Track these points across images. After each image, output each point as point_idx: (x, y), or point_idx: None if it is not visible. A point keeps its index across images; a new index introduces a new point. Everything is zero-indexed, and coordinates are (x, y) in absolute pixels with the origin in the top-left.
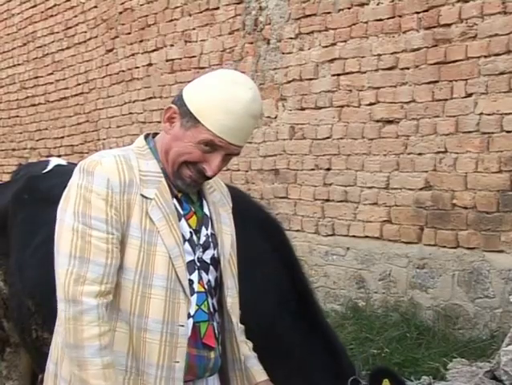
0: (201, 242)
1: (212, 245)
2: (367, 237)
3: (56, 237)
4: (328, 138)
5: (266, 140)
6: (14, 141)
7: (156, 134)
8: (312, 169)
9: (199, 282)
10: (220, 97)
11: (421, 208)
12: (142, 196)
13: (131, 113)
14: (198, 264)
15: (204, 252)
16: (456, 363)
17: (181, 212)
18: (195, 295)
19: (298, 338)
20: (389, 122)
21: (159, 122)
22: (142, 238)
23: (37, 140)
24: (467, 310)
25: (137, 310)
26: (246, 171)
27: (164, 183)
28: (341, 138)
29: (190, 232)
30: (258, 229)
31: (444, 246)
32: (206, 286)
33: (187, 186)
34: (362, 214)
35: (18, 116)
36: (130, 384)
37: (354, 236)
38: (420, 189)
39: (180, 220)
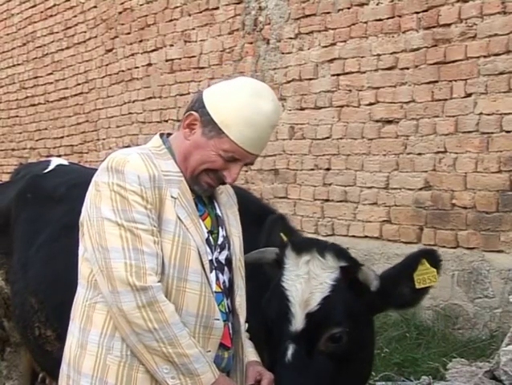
0: (219, 243)
1: (226, 246)
2: (366, 237)
3: (96, 234)
4: (328, 138)
5: None
6: (13, 141)
7: (169, 134)
8: (312, 169)
9: (216, 282)
10: (245, 110)
11: (421, 208)
12: (168, 193)
13: (130, 113)
14: (215, 264)
15: (220, 252)
16: (455, 363)
17: (197, 212)
18: (214, 295)
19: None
20: (389, 122)
21: (159, 122)
22: (175, 232)
23: (36, 140)
24: (467, 309)
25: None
26: (246, 171)
27: (184, 183)
28: (341, 138)
29: (207, 232)
30: (259, 226)
31: (444, 246)
32: (222, 287)
33: (203, 191)
34: (361, 214)
35: (17, 116)
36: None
37: (353, 236)
38: (420, 189)
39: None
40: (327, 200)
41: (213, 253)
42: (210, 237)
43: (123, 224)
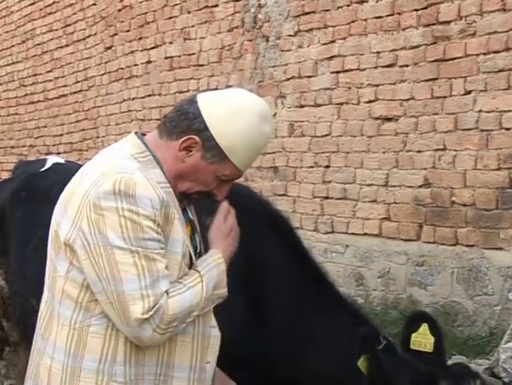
0: (198, 251)
1: (201, 252)
2: (366, 234)
3: (103, 263)
4: (327, 135)
5: None
6: (12, 139)
7: (143, 134)
8: (311, 166)
9: None
10: (251, 136)
11: (420, 205)
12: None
13: (130, 110)
14: None
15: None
16: (455, 360)
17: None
18: None
19: (325, 320)
20: (388, 119)
21: (158, 119)
22: (183, 253)
23: (36, 138)
24: (466, 307)
25: None
26: None
27: (173, 195)
28: (340, 135)
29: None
30: (268, 226)
31: (444, 243)
32: None
33: (190, 202)
34: (361, 211)
35: (16, 114)
36: None
37: (353, 233)
38: (420, 187)
39: None
40: (326, 198)
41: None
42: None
43: (137, 251)
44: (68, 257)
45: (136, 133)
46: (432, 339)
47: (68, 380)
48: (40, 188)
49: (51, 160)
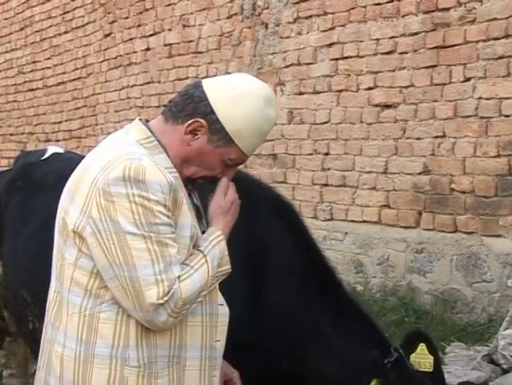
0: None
1: None
2: (365, 221)
3: (116, 250)
4: (327, 122)
5: None
6: (11, 126)
7: (147, 120)
8: (310, 154)
9: None
10: (257, 120)
11: (420, 192)
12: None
13: (129, 98)
14: None
15: None
16: (454, 347)
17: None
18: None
19: (330, 316)
20: (388, 106)
21: (157, 107)
22: (191, 237)
23: (35, 125)
24: (465, 294)
25: None
26: None
27: (179, 179)
28: (339, 122)
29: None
30: (272, 212)
31: (443, 231)
32: None
33: (195, 187)
34: (360, 199)
35: (15, 101)
36: (174, 374)
37: (352, 220)
38: (419, 174)
39: None
40: (325, 185)
41: None
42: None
43: (150, 236)
44: (77, 244)
45: (140, 119)
46: (431, 359)
47: (82, 367)
48: (35, 177)
49: (51, 149)
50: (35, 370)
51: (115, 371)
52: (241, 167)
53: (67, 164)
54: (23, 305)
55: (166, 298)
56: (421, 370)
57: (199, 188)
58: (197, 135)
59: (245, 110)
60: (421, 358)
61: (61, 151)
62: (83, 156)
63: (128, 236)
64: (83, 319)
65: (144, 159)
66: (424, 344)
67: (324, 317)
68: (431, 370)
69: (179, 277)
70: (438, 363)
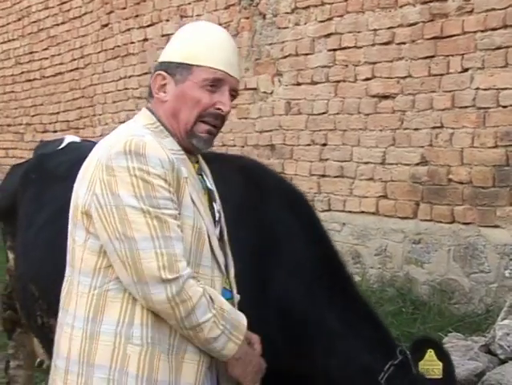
0: (216, 219)
1: (220, 220)
2: (363, 212)
3: (116, 223)
4: (324, 113)
5: (261, 116)
6: (9, 117)
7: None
8: (308, 144)
9: None
10: (201, 37)
11: (417, 183)
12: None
13: (126, 88)
14: (217, 241)
15: (217, 228)
16: (451, 338)
17: (202, 190)
18: (223, 275)
19: (337, 313)
20: (385, 97)
21: None
22: (194, 218)
23: (32, 116)
24: (462, 284)
25: None
26: (242, 146)
27: (188, 161)
28: (337, 113)
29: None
30: (283, 203)
31: (440, 221)
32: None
33: (204, 142)
34: (358, 189)
35: (13, 92)
36: (173, 362)
37: (350, 211)
38: (416, 164)
39: None
40: (323, 176)
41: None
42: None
43: (148, 211)
44: (85, 225)
45: (146, 108)
46: (440, 365)
47: (88, 344)
48: (47, 168)
49: (67, 138)
50: (40, 363)
51: (119, 349)
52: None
53: (80, 152)
54: (31, 299)
55: (169, 276)
56: (431, 377)
57: (207, 144)
58: (165, 87)
59: (182, 37)
60: (430, 365)
61: (77, 140)
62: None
63: (127, 209)
64: (91, 298)
65: (146, 136)
66: (432, 350)
67: (331, 314)
68: (440, 376)
69: (196, 278)
70: (448, 369)
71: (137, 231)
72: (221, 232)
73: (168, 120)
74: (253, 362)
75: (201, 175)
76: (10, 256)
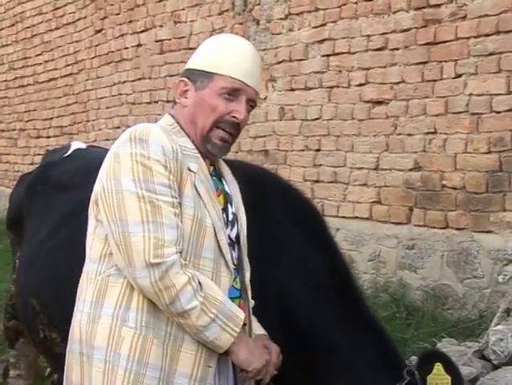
0: (230, 220)
1: (236, 223)
2: (356, 217)
3: (113, 207)
4: (318, 119)
5: (255, 121)
6: (2, 122)
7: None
8: (302, 150)
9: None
10: (225, 48)
11: (411, 188)
12: (187, 168)
13: (120, 94)
14: (228, 241)
15: (231, 230)
16: (445, 343)
17: (214, 188)
18: (232, 271)
19: (342, 329)
20: (379, 103)
21: (148, 103)
22: (195, 209)
23: (26, 121)
24: (456, 290)
25: None
26: (236, 152)
27: (201, 159)
28: (331, 119)
29: (221, 209)
30: (291, 213)
31: (434, 227)
32: (236, 263)
33: (219, 149)
34: (351, 195)
35: (6, 97)
36: (168, 350)
37: (343, 216)
38: (410, 170)
39: None
40: (317, 181)
41: (226, 229)
42: (223, 214)
43: (143, 196)
44: (95, 213)
45: (168, 113)
46: (448, 379)
47: (91, 327)
48: (52, 178)
49: (74, 145)
50: (50, 373)
51: (115, 330)
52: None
53: (86, 160)
54: (32, 314)
55: (152, 260)
56: None
57: (222, 151)
58: (187, 93)
59: (210, 48)
60: (438, 380)
61: (83, 146)
62: (106, 150)
63: (125, 193)
64: (96, 284)
65: (154, 126)
66: (440, 363)
67: (336, 331)
68: None
69: (188, 269)
70: (457, 382)
71: (130, 215)
72: (237, 235)
73: (186, 124)
74: (259, 349)
75: (218, 177)
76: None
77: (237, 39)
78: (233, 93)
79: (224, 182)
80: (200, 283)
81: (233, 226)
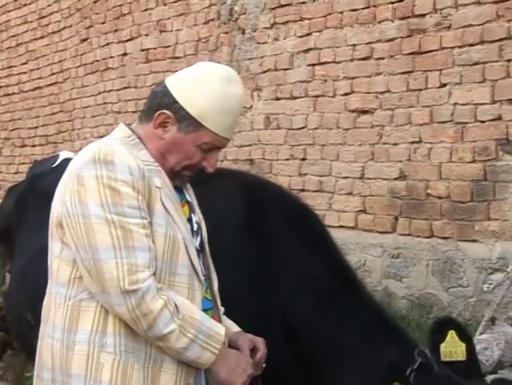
0: (195, 230)
1: (200, 231)
2: (342, 226)
3: (81, 232)
4: (303, 128)
5: (241, 130)
6: None
7: (129, 124)
8: (287, 159)
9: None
10: (219, 98)
11: (396, 197)
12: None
13: (105, 103)
14: (196, 252)
15: (196, 239)
16: None
17: (179, 201)
18: (203, 284)
19: (347, 321)
20: (364, 112)
21: (134, 112)
22: (166, 226)
23: (11, 130)
24: (441, 299)
25: None
26: (222, 161)
27: (163, 172)
28: (316, 128)
29: (186, 220)
30: (288, 221)
31: (419, 236)
32: (205, 272)
33: (183, 182)
34: (337, 204)
35: None
36: (149, 372)
37: (329, 225)
38: (395, 179)
39: None
40: (302, 190)
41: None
42: (189, 225)
43: (113, 220)
44: (59, 235)
45: (123, 123)
46: (463, 346)
47: (65, 354)
48: (40, 190)
49: (62, 155)
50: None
51: (93, 357)
52: None
53: None
54: (27, 327)
55: (128, 287)
56: (453, 359)
57: (187, 182)
58: (166, 127)
59: (204, 91)
60: (452, 347)
61: (71, 156)
62: None
63: (93, 218)
64: (67, 309)
65: (116, 144)
66: (453, 330)
67: (340, 324)
68: (464, 358)
69: (163, 292)
70: (471, 349)
71: (100, 241)
72: (201, 243)
73: (155, 153)
74: (240, 365)
75: (179, 188)
76: (8, 280)
77: (233, 83)
78: (212, 147)
79: (184, 190)
80: (176, 305)
81: (197, 235)
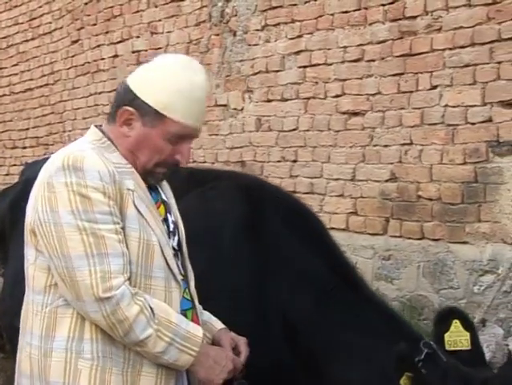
0: (171, 230)
1: (177, 231)
2: (333, 228)
3: (53, 240)
4: (294, 130)
5: (232, 132)
6: None
7: (100, 126)
8: (278, 161)
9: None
10: (180, 87)
11: (387, 199)
12: (126, 188)
13: (96, 105)
14: (173, 252)
15: (173, 239)
16: None
17: (153, 202)
18: (181, 284)
19: (351, 323)
20: (355, 114)
21: None
22: (140, 230)
23: (1, 132)
24: (432, 300)
25: None
26: (213, 163)
27: (136, 174)
28: (307, 130)
29: (162, 221)
30: (287, 221)
31: (410, 238)
32: (183, 272)
33: (157, 180)
34: (328, 206)
35: None
36: (128, 376)
37: None
38: (386, 181)
39: None
40: (293, 192)
41: (169, 241)
42: (164, 225)
43: (84, 228)
44: (34, 243)
45: (95, 125)
46: (467, 335)
47: (43, 363)
48: None
49: None
50: None
51: (70, 364)
52: None
53: None
54: (17, 335)
55: (102, 295)
56: (458, 349)
57: (162, 180)
58: (131, 124)
59: (163, 82)
60: (457, 336)
61: None
62: None
63: (64, 226)
64: (43, 316)
65: (86, 151)
66: (457, 320)
67: (340, 322)
68: (468, 347)
69: (138, 296)
70: (475, 339)
71: (73, 249)
72: (179, 244)
73: (126, 153)
74: (220, 363)
75: (155, 187)
76: (1, 284)
77: (194, 70)
78: (181, 138)
79: (160, 190)
80: (152, 309)
81: (174, 235)
